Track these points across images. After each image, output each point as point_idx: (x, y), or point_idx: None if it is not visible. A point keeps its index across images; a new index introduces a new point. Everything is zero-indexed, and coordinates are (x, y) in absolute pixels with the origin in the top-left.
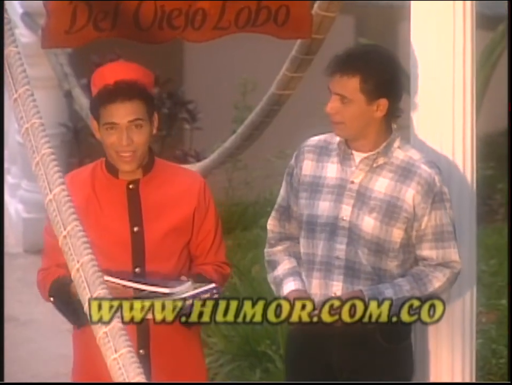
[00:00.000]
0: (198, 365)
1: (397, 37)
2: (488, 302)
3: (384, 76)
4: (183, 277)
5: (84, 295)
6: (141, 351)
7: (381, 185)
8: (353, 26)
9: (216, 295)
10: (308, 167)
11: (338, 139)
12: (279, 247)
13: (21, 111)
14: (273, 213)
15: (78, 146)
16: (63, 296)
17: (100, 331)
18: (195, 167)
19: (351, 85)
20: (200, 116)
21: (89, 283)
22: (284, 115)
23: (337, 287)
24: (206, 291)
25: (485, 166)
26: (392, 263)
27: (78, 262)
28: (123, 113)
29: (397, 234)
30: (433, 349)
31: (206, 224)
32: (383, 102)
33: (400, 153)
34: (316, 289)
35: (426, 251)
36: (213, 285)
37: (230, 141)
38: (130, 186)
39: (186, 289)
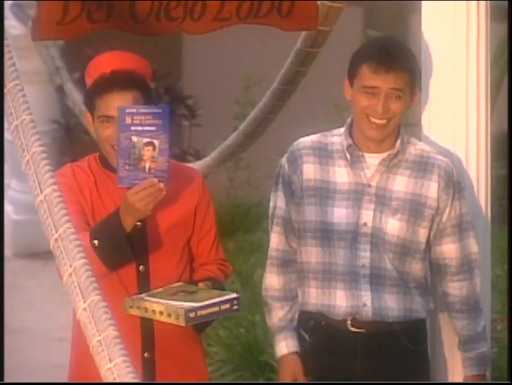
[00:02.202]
0: (201, 369)
1: (408, 29)
2: (503, 308)
3: (417, 65)
4: (201, 284)
5: (77, 301)
6: (145, 354)
7: (401, 184)
8: (361, 17)
9: (235, 307)
10: (310, 171)
11: (336, 140)
12: (275, 284)
13: (10, 107)
14: (275, 229)
15: (70, 144)
16: (112, 231)
17: (93, 339)
18: (194, 166)
19: (406, 78)
20: (199, 113)
21: (82, 288)
22: (288, 111)
23: (366, 297)
24: (226, 301)
25: (499, 164)
26: (416, 265)
27: (70, 266)
28: (119, 104)
29: (423, 234)
30: (445, 358)
31: (207, 221)
32: (416, 92)
33: (411, 148)
34: (342, 300)
35: (447, 246)
36: (235, 295)
37: (232, 138)
38: None
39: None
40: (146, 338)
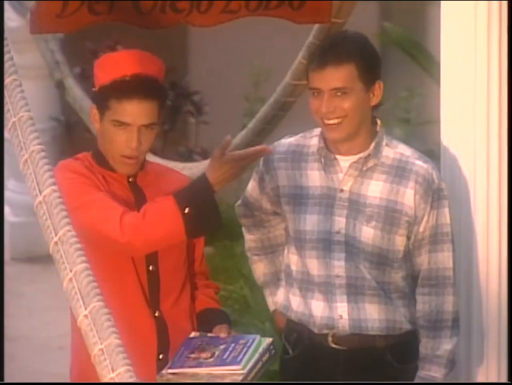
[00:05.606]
0: None
1: (426, 22)
2: None
3: (374, 57)
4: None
5: (78, 308)
6: (160, 356)
7: (375, 189)
8: (377, 9)
9: (273, 351)
10: (283, 177)
11: (314, 142)
12: (252, 237)
13: (8, 103)
14: (239, 202)
15: (70, 142)
16: (205, 198)
17: (95, 348)
18: (201, 165)
19: (348, 73)
20: (206, 109)
21: (83, 294)
22: (299, 107)
23: (342, 309)
24: (265, 351)
25: None
26: (397, 274)
27: (71, 271)
28: (138, 113)
29: (400, 242)
30: (464, 366)
31: None
32: (378, 85)
33: (389, 151)
34: (318, 311)
35: (420, 257)
36: (270, 340)
37: (240, 137)
38: (130, 179)
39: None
40: (161, 340)
